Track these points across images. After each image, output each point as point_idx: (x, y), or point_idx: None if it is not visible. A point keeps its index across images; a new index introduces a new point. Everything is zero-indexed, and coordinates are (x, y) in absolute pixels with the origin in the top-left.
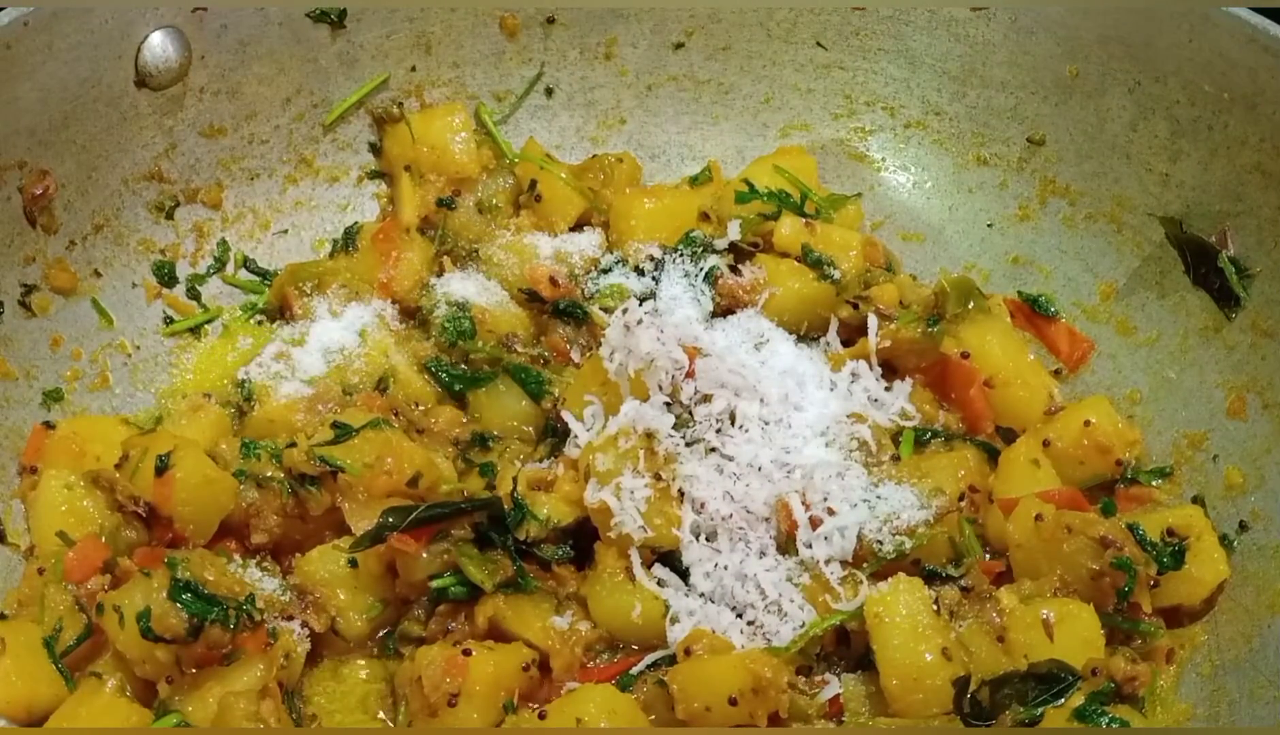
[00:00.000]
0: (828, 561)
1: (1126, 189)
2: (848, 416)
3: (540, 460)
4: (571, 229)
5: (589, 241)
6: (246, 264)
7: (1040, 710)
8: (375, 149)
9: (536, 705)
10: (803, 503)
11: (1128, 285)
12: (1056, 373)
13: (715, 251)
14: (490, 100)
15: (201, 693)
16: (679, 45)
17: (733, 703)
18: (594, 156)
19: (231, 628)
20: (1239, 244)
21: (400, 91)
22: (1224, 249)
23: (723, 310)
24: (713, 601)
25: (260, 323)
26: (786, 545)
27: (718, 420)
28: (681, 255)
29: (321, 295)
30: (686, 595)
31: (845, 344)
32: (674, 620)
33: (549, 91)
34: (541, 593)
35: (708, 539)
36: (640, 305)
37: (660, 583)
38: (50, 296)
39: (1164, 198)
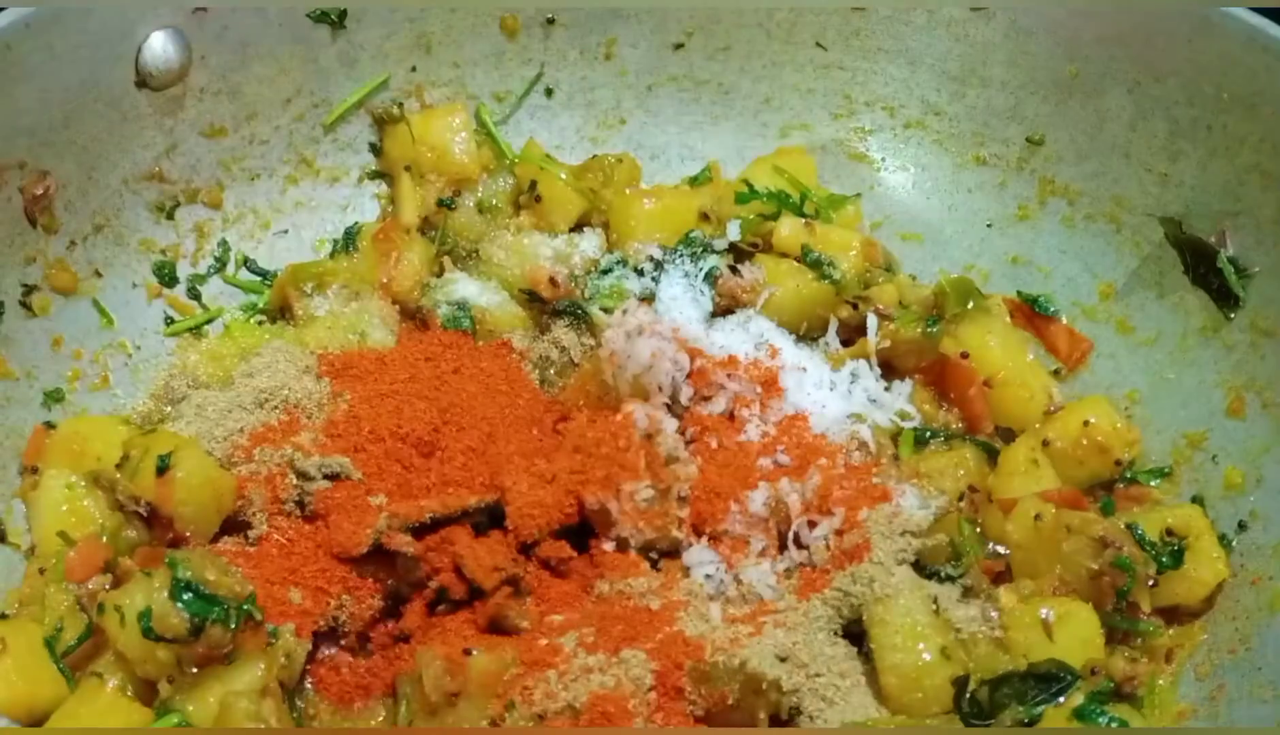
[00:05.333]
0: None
1: (1126, 189)
2: (848, 416)
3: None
4: (571, 229)
5: (589, 241)
6: (247, 264)
7: (1040, 710)
8: (375, 149)
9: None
10: (802, 503)
11: (1127, 285)
12: (1056, 373)
13: (715, 251)
14: (490, 100)
15: (202, 692)
16: (679, 45)
17: None
18: (594, 156)
19: (232, 627)
20: (1238, 244)
21: (400, 91)
22: (1223, 249)
23: (723, 310)
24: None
25: (260, 323)
26: (786, 545)
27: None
28: (681, 255)
29: (322, 295)
30: None
31: (845, 344)
32: None
33: (549, 91)
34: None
35: (708, 540)
36: (640, 305)
37: None
38: (51, 296)
39: (1163, 198)
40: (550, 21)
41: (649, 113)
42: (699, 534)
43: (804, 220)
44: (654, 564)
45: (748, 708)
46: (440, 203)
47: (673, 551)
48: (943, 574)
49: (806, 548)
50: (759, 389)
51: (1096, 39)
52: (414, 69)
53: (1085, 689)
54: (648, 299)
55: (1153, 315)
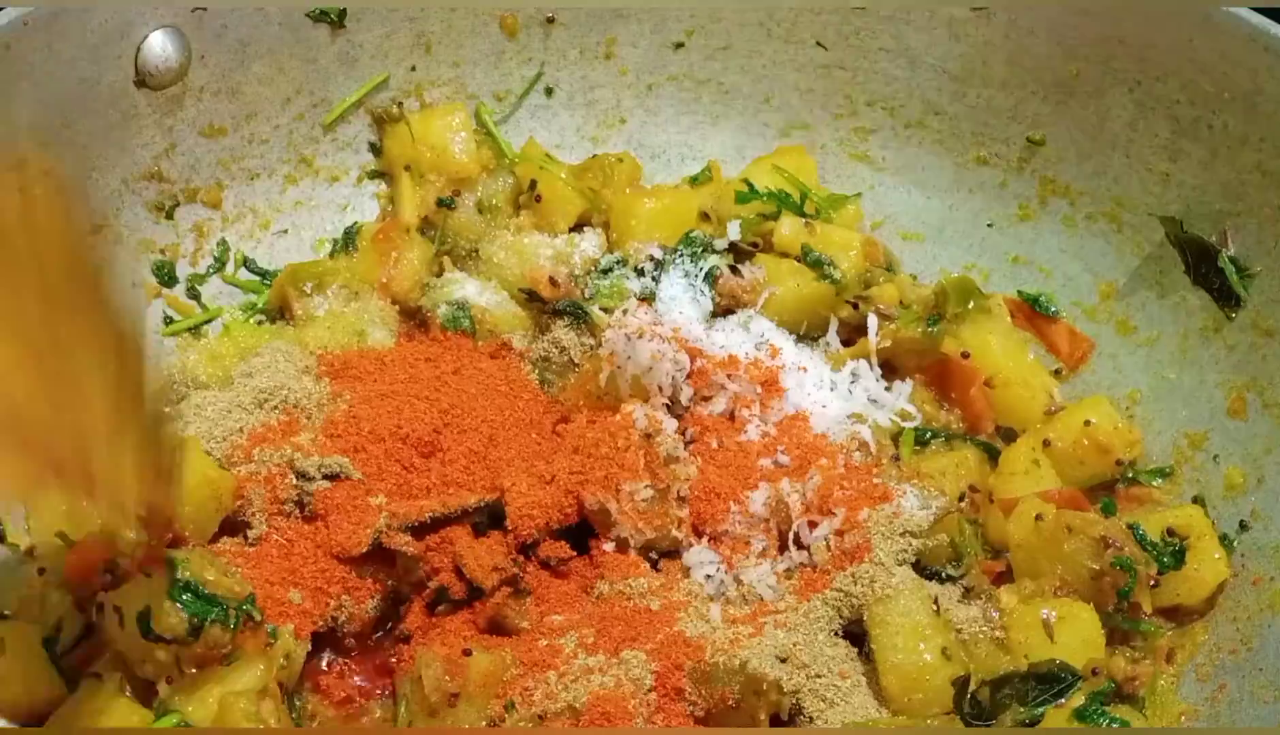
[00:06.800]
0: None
1: (1126, 188)
2: (848, 416)
3: None
4: (571, 229)
5: (589, 241)
6: (246, 264)
7: (1040, 710)
8: (375, 149)
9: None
10: (802, 503)
11: (1128, 285)
12: (1056, 373)
13: (715, 251)
14: (490, 100)
15: (201, 693)
16: (679, 45)
17: None
18: (594, 156)
19: (231, 628)
20: (1239, 243)
21: (400, 91)
22: (1224, 248)
23: (723, 310)
24: None
25: (260, 323)
26: (786, 546)
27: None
28: (681, 255)
29: (321, 295)
30: None
31: (845, 344)
32: None
33: (549, 91)
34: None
35: (708, 540)
36: (640, 305)
37: None
38: None
39: (1164, 197)
40: (550, 21)
41: (649, 112)
42: (699, 534)
43: (804, 220)
44: (654, 564)
45: (748, 708)
46: (440, 202)
47: (673, 552)
48: (943, 574)
49: (807, 548)
50: (759, 389)
51: (1097, 39)
52: (414, 68)
53: (1086, 689)
54: (648, 299)
55: (1154, 315)
